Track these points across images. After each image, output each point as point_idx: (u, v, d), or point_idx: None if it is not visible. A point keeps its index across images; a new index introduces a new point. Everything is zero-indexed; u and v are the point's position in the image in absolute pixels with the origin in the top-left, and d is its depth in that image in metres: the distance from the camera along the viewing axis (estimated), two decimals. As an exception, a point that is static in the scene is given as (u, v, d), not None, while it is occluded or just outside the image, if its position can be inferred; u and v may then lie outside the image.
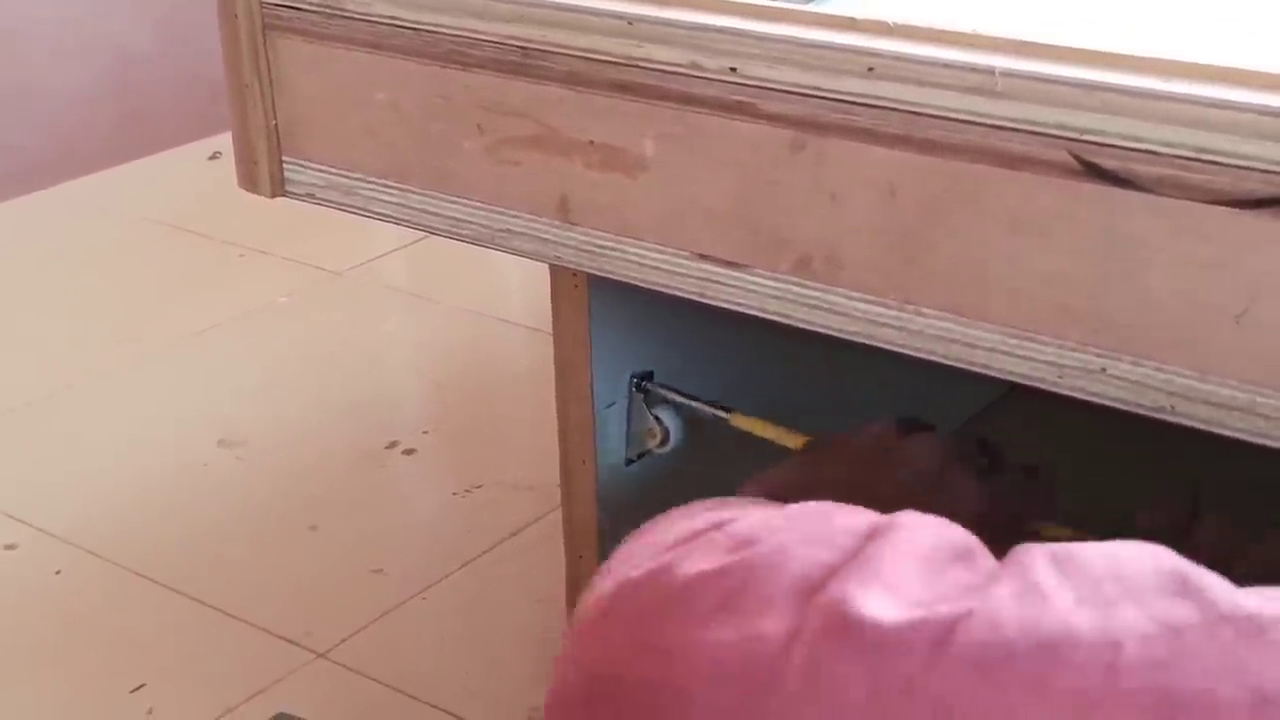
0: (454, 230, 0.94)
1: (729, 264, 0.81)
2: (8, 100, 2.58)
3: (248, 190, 1.05)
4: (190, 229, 2.45)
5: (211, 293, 2.23)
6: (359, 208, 0.98)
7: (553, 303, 1.19)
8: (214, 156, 2.76)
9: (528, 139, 0.87)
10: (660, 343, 1.20)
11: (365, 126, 0.95)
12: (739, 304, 0.82)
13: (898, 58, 0.71)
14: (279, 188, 1.03)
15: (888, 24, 0.73)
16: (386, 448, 1.80)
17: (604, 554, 1.29)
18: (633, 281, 0.86)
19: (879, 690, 0.42)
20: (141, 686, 1.38)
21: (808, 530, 0.50)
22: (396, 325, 2.18)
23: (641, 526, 0.65)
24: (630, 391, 1.21)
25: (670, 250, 0.84)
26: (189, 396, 1.94)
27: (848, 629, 0.44)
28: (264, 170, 1.02)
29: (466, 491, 1.70)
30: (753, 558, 0.50)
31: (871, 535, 0.49)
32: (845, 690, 0.43)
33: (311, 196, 1.01)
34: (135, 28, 2.73)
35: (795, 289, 0.79)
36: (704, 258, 0.82)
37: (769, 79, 0.75)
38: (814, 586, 0.47)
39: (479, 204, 0.92)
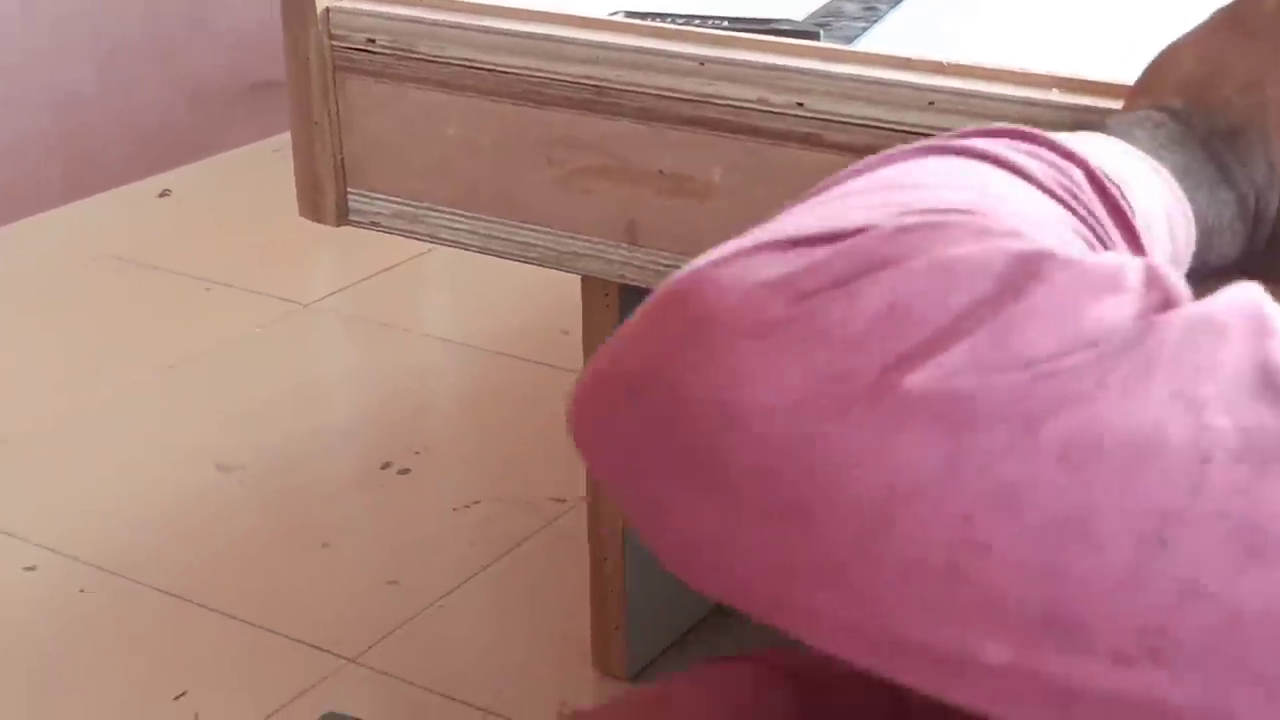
0: (522, 254, 1.02)
1: (792, 279, 0.91)
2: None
3: (311, 219, 1.12)
4: (150, 264, 2.49)
5: (184, 325, 2.28)
6: (425, 234, 1.06)
7: (584, 316, 1.28)
8: (164, 194, 2.80)
9: (598, 169, 0.96)
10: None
11: (435, 159, 1.03)
12: (801, 315, 0.91)
13: (958, 93, 0.81)
14: (343, 217, 1.10)
15: (941, 63, 0.83)
16: (382, 468, 1.87)
17: (628, 558, 1.38)
18: (695, 296, 0.95)
19: (955, 464, 0.40)
20: (184, 694, 1.45)
21: (933, 271, 0.43)
22: (371, 353, 2.24)
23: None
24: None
25: (735, 267, 0.93)
26: (178, 425, 2.00)
27: (935, 395, 0.40)
28: (329, 201, 1.10)
29: (465, 507, 1.78)
30: (860, 291, 0.43)
31: (1012, 280, 0.42)
32: (918, 457, 0.40)
33: (376, 225, 1.09)
34: (79, 71, 2.76)
35: (855, 300, 0.88)
36: (767, 273, 0.92)
37: (834, 112, 0.85)
38: (928, 337, 0.41)
39: (547, 229, 1.00)
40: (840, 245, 0.45)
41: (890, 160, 0.53)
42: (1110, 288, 0.43)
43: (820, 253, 0.45)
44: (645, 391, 0.45)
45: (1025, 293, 0.42)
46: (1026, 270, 0.43)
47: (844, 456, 0.41)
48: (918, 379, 0.41)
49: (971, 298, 0.42)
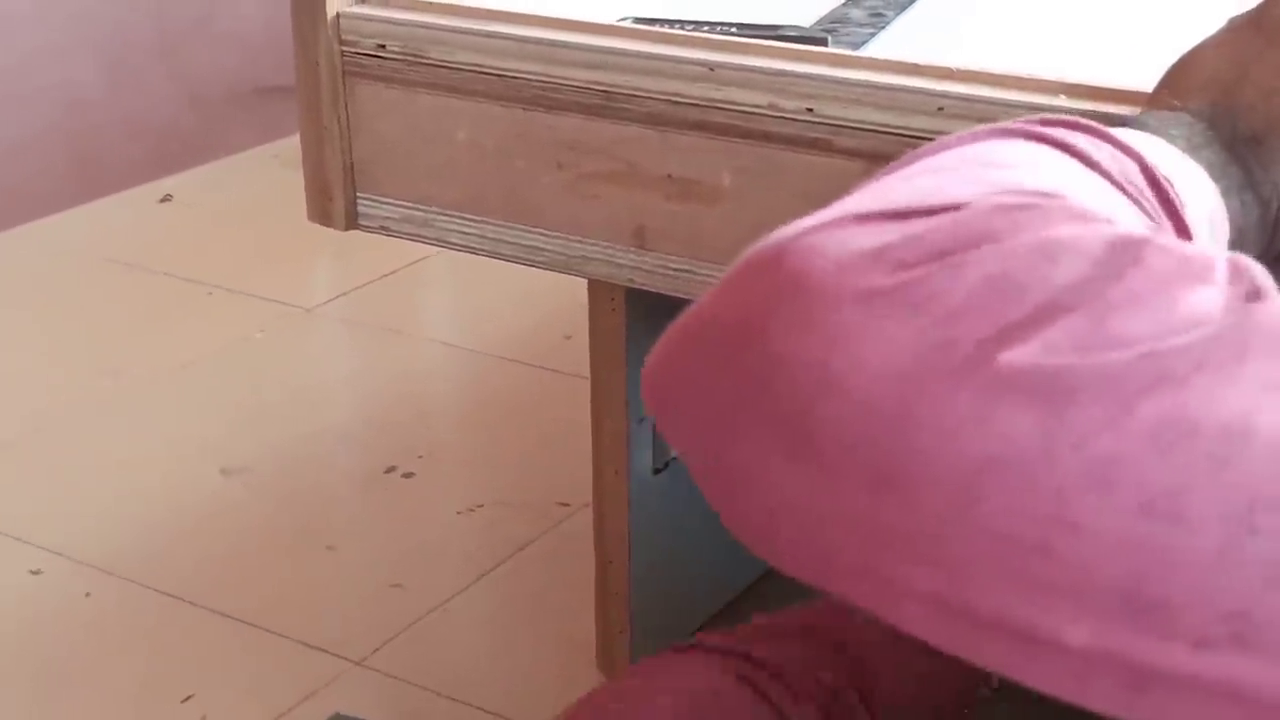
0: (530, 258, 1.03)
1: (800, 282, 0.91)
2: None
3: (320, 224, 1.13)
4: (153, 268, 2.50)
5: (186, 329, 2.29)
6: (434, 238, 1.07)
7: (591, 321, 1.29)
8: (165, 199, 2.81)
9: (607, 174, 0.97)
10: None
11: (444, 164, 1.04)
12: (809, 318, 0.92)
13: (967, 98, 0.81)
14: (352, 222, 1.11)
15: (950, 69, 0.84)
16: (385, 472, 1.88)
17: (633, 561, 1.39)
18: (704, 300, 0.96)
19: (1050, 439, 0.40)
20: (191, 697, 1.45)
21: (1034, 249, 0.43)
22: (373, 357, 2.25)
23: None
24: (656, 405, 1.31)
25: (744, 271, 0.93)
26: (181, 428, 2.01)
27: (1034, 371, 0.41)
28: (339, 206, 1.10)
29: (469, 510, 1.79)
30: (963, 264, 0.43)
31: (1112, 262, 0.43)
32: (1014, 431, 0.40)
33: (385, 229, 1.10)
34: (85, 72, 2.77)
35: (864, 303, 0.89)
36: (776, 277, 0.92)
37: (844, 118, 0.86)
38: (1028, 313, 0.42)
39: (556, 233, 1.01)
40: (940, 219, 0.45)
41: (972, 141, 0.53)
42: (1203, 276, 0.43)
43: (919, 225, 0.45)
44: (737, 352, 0.45)
45: (1124, 275, 0.42)
46: (1126, 253, 0.43)
47: (941, 426, 0.41)
48: (1017, 354, 0.41)
49: (1072, 277, 0.42)
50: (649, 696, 0.77)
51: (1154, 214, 0.53)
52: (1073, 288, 0.42)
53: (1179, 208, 0.55)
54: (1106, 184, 0.52)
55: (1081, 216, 0.45)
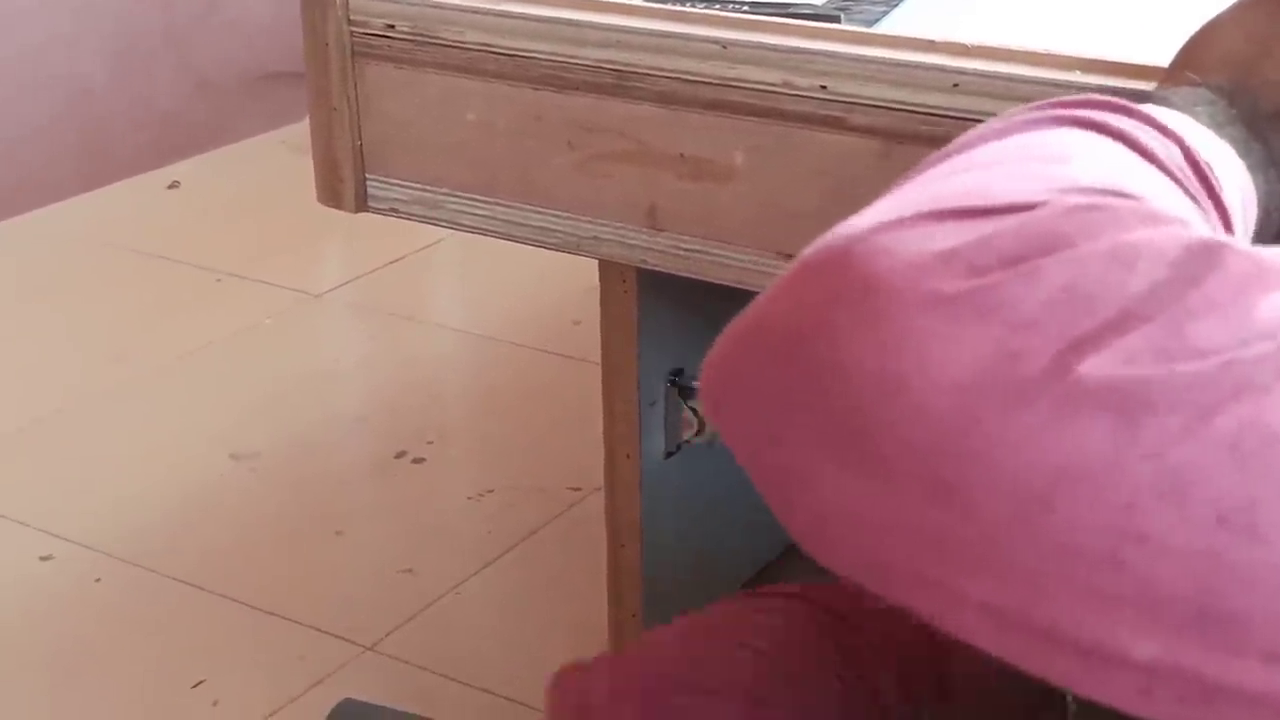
0: (542, 239, 1.02)
1: (814, 262, 0.91)
2: (-29, 134, 2.62)
3: (330, 206, 1.12)
4: (161, 255, 2.49)
5: (195, 316, 2.28)
6: (444, 220, 1.06)
7: (602, 305, 1.28)
8: (173, 185, 2.81)
9: (619, 153, 0.96)
10: (695, 341, 1.29)
11: (454, 144, 1.03)
12: (823, 298, 0.91)
13: (982, 74, 0.81)
14: (362, 204, 1.10)
15: (964, 45, 0.83)
16: (396, 457, 1.87)
17: (645, 545, 1.38)
18: (716, 281, 0.95)
19: (1124, 450, 0.39)
20: (202, 682, 1.45)
21: (1110, 255, 0.42)
22: (383, 343, 2.25)
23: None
24: (666, 387, 1.30)
25: (757, 252, 0.93)
26: (191, 414, 2.00)
27: (1110, 381, 0.40)
28: (349, 188, 1.10)
29: (480, 495, 1.78)
30: (1037, 271, 0.42)
31: (1189, 267, 0.42)
32: (1086, 442, 0.39)
33: (395, 211, 1.09)
34: (92, 61, 2.77)
35: (878, 283, 0.88)
36: (789, 257, 0.91)
37: (858, 95, 0.85)
38: (1104, 322, 0.41)
39: (567, 214, 1.00)
40: (1011, 221, 0.44)
41: (1016, 129, 0.52)
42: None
43: (988, 226, 0.44)
44: (800, 352, 0.44)
45: (1202, 281, 0.41)
46: (1203, 259, 0.42)
47: (1012, 438, 0.40)
48: (1094, 364, 0.40)
49: (1149, 284, 0.41)
50: (727, 648, 0.76)
51: (1200, 201, 0.52)
52: (1150, 295, 0.41)
53: (1219, 193, 0.54)
54: (1160, 174, 0.51)
55: (1154, 218, 0.44)
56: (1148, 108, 0.56)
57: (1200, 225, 0.47)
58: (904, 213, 0.45)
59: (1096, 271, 0.42)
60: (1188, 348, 0.40)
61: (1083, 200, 0.45)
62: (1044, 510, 0.40)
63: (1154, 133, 0.53)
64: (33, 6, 2.64)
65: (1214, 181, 0.54)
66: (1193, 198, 0.51)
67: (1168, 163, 0.52)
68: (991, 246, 0.43)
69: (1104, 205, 0.44)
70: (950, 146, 0.52)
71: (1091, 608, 0.40)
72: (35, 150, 2.70)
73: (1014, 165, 0.49)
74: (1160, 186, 0.50)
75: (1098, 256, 0.42)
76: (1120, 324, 0.41)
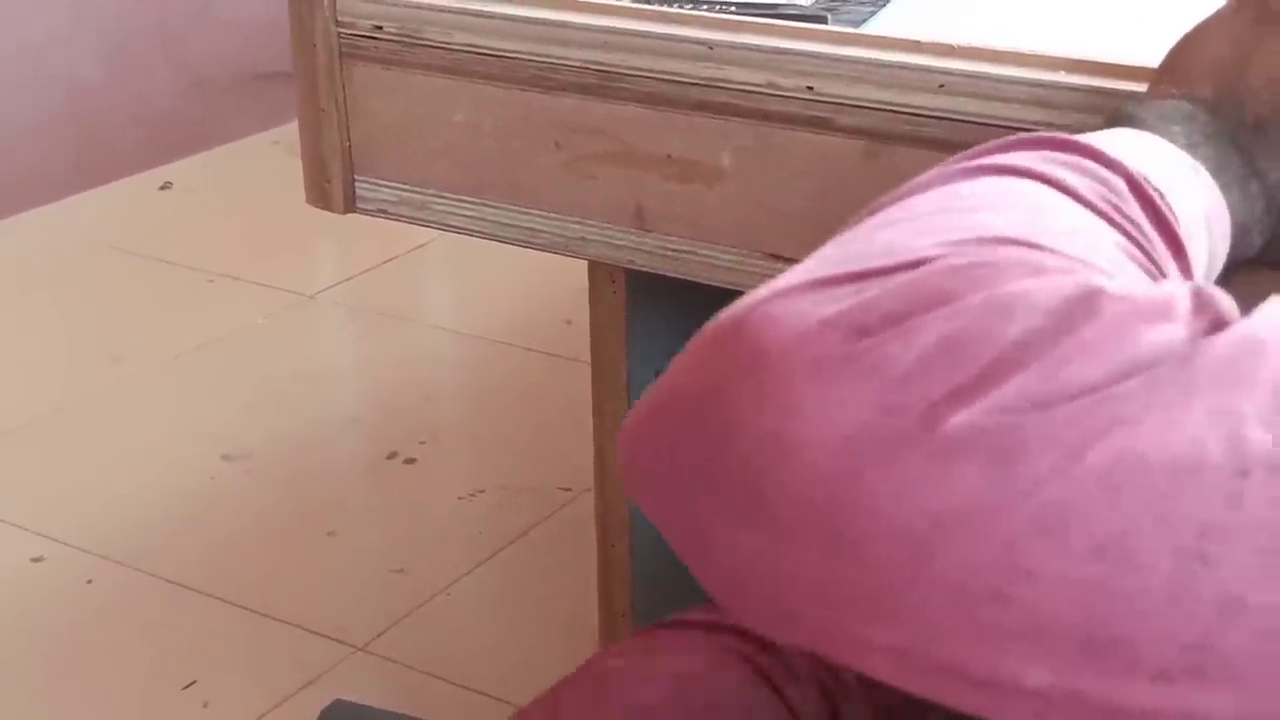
0: (529, 240, 1.02)
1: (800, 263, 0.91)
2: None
3: (319, 207, 1.12)
4: (154, 256, 2.49)
5: (188, 316, 2.28)
6: (432, 221, 1.06)
7: (591, 305, 1.28)
8: (165, 186, 2.81)
9: (605, 154, 0.96)
10: (684, 340, 1.29)
11: (441, 146, 1.03)
12: (810, 298, 0.91)
13: (968, 75, 0.80)
14: (351, 205, 1.10)
15: (950, 45, 0.83)
16: (388, 457, 1.87)
17: (634, 544, 1.38)
18: (704, 281, 0.95)
19: (1001, 491, 0.40)
20: (193, 683, 1.45)
21: (987, 307, 0.43)
22: (375, 343, 2.25)
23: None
24: (656, 386, 1.30)
25: (744, 252, 0.92)
26: (184, 415, 2.00)
27: (983, 429, 0.41)
28: (337, 189, 1.10)
29: (471, 496, 1.78)
30: (917, 328, 0.43)
31: (1066, 314, 0.43)
32: (964, 487, 0.41)
33: (383, 212, 1.09)
34: (87, 60, 2.77)
35: (865, 282, 0.88)
36: (776, 257, 0.92)
37: (844, 96, 0.85)
38: (980, 372, 0.42)
39: (554, 215, 1.00)
40: (896, 280, 0.45)
41: (942, 180, 0.53)
42: (1161, 316, 0.43)
43: (874, 287, 0.45)
44: (699, 420, 0.46)
45: (1078, 327, 0.42)
46: (1080, 305, 0.43)
47: (891, 488, 0.42)
48: (966, 414, 0.42)
49: (1024, 332, 0.43)
50: (644, 679, 0.76)
51: (1140, 232, 0.53)
52: (1025, 343, 0.42)
53: (1171, 221, 0.54)
54: (1084, 210, 0.52)
55: (1038, 269, 0.45)
56: (1097, 138, 0.56)
57: (1095, 266, 0.48)
58: (801, 280, 0.47)
59: (972, 324, 0.43)
60: (1061, 391, 0.41)
61: (971, 254, 0.46)
62: (928, 555, 0.41)
63: (1095, 167, 0.54)
64: (28, 5, 2.64)
65: (1164, 209, 0.54)
66: (1126, 233, 0.52)
67: (1097, 201, 0.52)
68: (876, 308, 0.45)
69: (988, 260, 0.46)
70: (886, 197, 0.53)
71: (983, 643, 0.41)
72: (30, 149, 2.70)
73: (924, 220, 0.50)
74: (1083, 225, 0.51)
75: (974, 309, 0.43)
76: (994, 373, 0.42)
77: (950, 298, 0.44)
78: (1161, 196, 0.55)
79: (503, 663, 1.48)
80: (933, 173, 0.54)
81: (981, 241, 0.47)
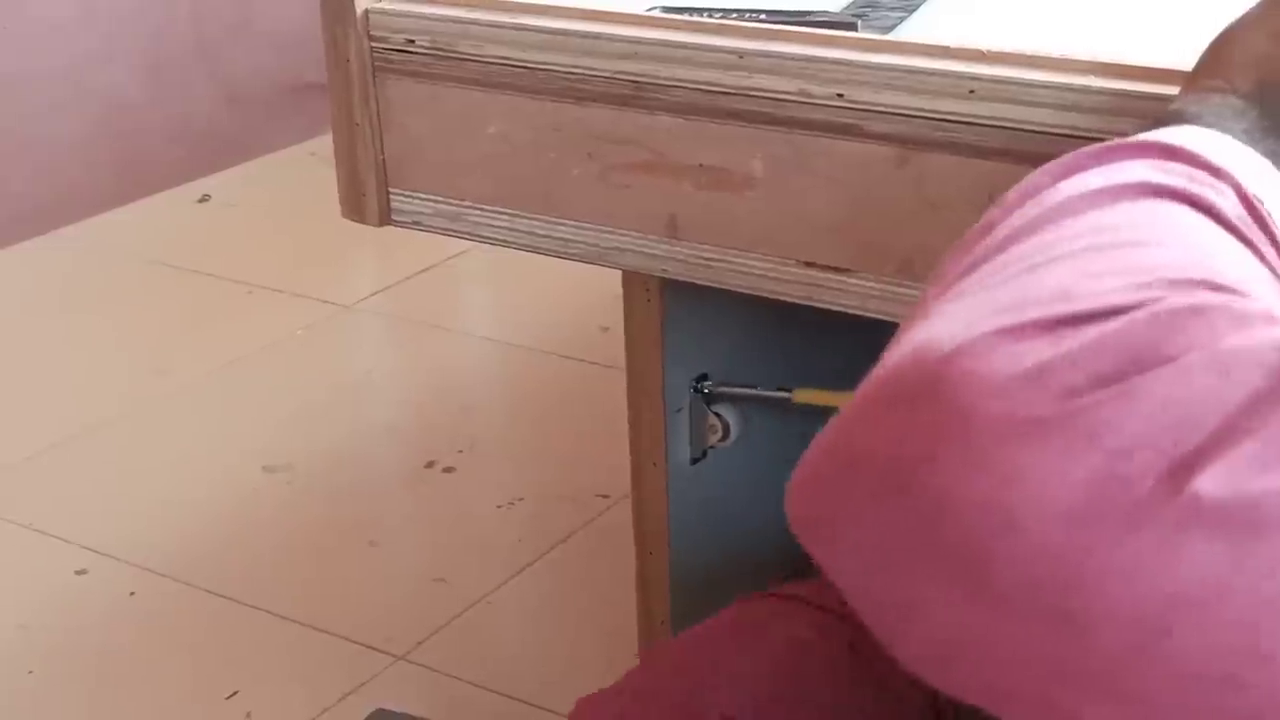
0: (563, 250, 1.02)
1: (834, 270, 0.91)
2: (7, 148, 2.64)
3: (355, 220, 1.13)
4: (194, 269, 2.51)
5: (228, 328, 2.30)
6: (466, 232, 1.07)
7: (626, 315, 1.28)
8: (203, 199, 2.83)
9: (637, 164, 0.96)
10: (718, 346, 1.30)
11: (475, 157, 1.04)
12: (843, 305, 0.91)
13: (997, 80, 0.81)
14: (385, 218, 1.11)
15: (981, 50, 0.83)
16: (426, 467, 1.88)
17: (672, 551, 1.39)
18: (738, 289, 0.96)
19: (1240, 570, 0.39)
20: (235, 694, 1.46)
21: (1207, 368, 0.42)
22: (413, 353, 2.26)
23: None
24: (691, 394, 1.31)
25: (777, 259, 0.93)
26: (225, 427, 2.02)
27: (1219, 501, 0.39)
28: (372, 202, 1.10)
29: (510, 504, 1.79)
30: (1134, 392, 0.41)
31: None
32: (1201, 565, 0.39)
33: (418, 224, 1.10)
34: (127, 76, 2.79)
35: (898, 289, 0.88)
36: (809, 265, 0.92)
37: (875, 102, 0.85)
38: (1206, 440, 0.40)
39: (588, 225, 1.00)
40: (1100, 331, 0.44)
41: (1083, 204, 0.51)
42: None
43: (1075, 340, 0.43)
44: (907, 487, 0.44)
45: None
46: None
47: (1124, 566, 0.40)
48: (1201, 485, 0.40)
49: (1247, 394, 0.41)
50: (737, 654, 0.75)
51: (1263, 250, 0.51)
52: (1249, 408, 0.41)
53: (1274, 230, 0.53)
54: (1230, 239, 0.50)
55: (1242, 319, 0.44)
56: (1181, 138, 0.55)
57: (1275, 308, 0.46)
58: (985, 324, 0.45)
59: (1195, 386, 0.42)
60: None
61: (1175, 301, 0.44)
62: (1161, 637, 0.40)
63: (1207, 178, 0.52)
64: (67, 23, 2.66)
65: (1268, 219, 0.53)
66: (1258, 252, 0.51)
67: (1235, 221, 0.51)
68: (1085, 364, 0.43)
69: (1195, 307, 0.44)
70: (1008, 215, 0.51)
71: None
72: (71, 165, 2.72)
73: (1089, 257, 0.48)
74: (1238, 258, 0.50)
75: (1195, 370, 0.42)
76: (1223, 442, 0.40)
77: (1166, 356, 0.42)
78: (1262, 204, 0.53)
79: (542, 671, 1.49)
80: (1064, 195, 0.52)
81: (1172, 285, 0.45)
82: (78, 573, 1.69)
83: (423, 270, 2.41)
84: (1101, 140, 0.71)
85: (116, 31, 2.74)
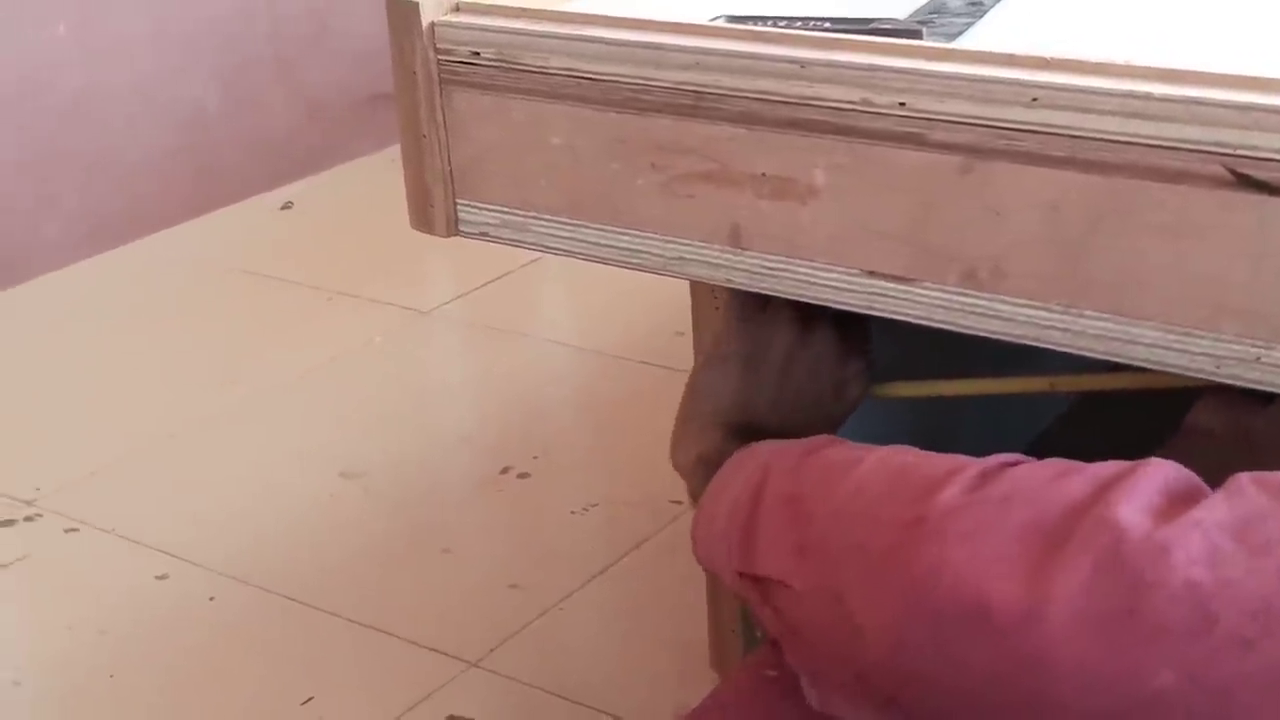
0: (627, 260, 1.02)
1: (897, 279, 0.90)
2: (88, 162, 2.68)
3: (423, 231, 1.14)
4: (274, 276, 2.54)
5: (306, 335, 2.32)
6: (533, 243, 1.07)
7: (694, 320, 1.28)
8: (286, 206, 2.86)
9: (700, 174, 0.96)
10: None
11: (540, 168, 1.04)
12: (906, 314, 0.90)
13: (1060, 88, 0.80)
14: (453, 228, 1.12)
15: (1045, 58, 0.82)
16: (501, 473, 1.89)
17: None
18: (801, 298, 0.95)
19: (1192, 677, 0.52)
20: (310, 699, 1.48)
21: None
22: (489, 359, 2.27)
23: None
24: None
25: (840, 269, 0.92)
26: (303, 434, 2.04)
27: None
28: (440, 213, 1.11)
29: (584, 510, 1.79)
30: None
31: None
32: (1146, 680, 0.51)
33: (485, 235, 1.10)
34: (205, 89, 2.83)
35: (961, 299, 0.87)
36: (873, 274, 0.91)
37: (937, 111, 0.84)
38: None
39: (652, 235, 1.00)
40: None
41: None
42: None
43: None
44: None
45: None
46: None
47: None
48: None
49: None
50: None
51: None
52: None
53: None
54: None
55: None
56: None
57: None
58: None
59: None
60: None
61: None
62: None
63: None
64: (146, 37, 2.70)
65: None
66: None
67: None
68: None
69: None
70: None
71: None
72: (151, 177, 2.76)
73: None
74: None
75: None
76: None
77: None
78: None
79: (615, 678, 1.49)
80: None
81: None
82: (158, 578, 1.72)
83: (499, 276, 2.42)
84: (1170, 148, 0.71)
85: (193, 45, 2.77)
